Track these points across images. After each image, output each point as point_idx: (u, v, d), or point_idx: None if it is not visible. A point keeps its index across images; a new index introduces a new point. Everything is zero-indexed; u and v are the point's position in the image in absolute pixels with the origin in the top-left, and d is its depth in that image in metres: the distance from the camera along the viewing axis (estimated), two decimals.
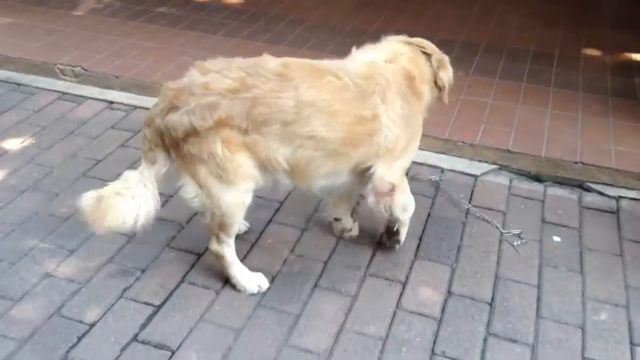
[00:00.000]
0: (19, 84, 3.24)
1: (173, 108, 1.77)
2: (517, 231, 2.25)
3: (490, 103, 3.04)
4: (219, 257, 1.98)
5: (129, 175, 1.89)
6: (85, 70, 3.26)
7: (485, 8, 4.27)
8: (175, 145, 1.80)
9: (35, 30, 3.67)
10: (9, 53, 3.40)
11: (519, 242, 2.20)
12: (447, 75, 2.02)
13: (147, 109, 2.96)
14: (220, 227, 1.91)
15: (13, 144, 2.76)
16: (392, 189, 1.90)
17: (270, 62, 1.80)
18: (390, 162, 1.89)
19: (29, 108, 3.04)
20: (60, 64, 3.30)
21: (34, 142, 2.78)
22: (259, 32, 3.80)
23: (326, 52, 3.54)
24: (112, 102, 3.11)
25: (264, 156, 1.79)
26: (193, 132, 1.75)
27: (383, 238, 2.17)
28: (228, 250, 1.97)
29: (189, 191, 1.84)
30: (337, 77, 1.80)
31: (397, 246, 2.12)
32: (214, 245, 1.96)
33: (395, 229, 2.07)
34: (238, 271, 2.00)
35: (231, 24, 3.90)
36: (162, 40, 3.63)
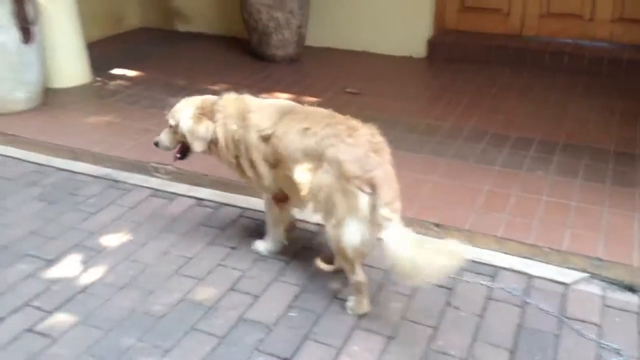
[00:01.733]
0: (115, 181, 3.47)
1: None
2: (615, 346, 2.17)
3: (574, 205, 3.01)
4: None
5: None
6: (176, 168, 3.47)
7: (560, 104, 4.30)
8: None
9: (130, 129, 3.95)
10: (107, 151, 3.66)
11: (619, 359, 2.12)
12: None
13: (232, 206, 3.14)
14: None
15: (111, 241, 2.92)
16: None
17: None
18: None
19: (125, 204, 3.24)
20: (153, 162, 3.52)
21: (130, 238, 2.94)
22: None
23: (402, 149, 3.63)
24: (201, 199, 3.27)
25: None
26: None
27: None
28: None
29: None
30: None
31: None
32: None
33: None
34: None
35: None
36: None
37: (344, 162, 2.14)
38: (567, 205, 3.01)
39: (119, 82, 4.86)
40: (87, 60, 4.82)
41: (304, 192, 2.27)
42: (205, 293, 2.55)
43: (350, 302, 2.41)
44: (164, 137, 2.68)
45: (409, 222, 2.88)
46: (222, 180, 3.34)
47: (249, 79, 4.89)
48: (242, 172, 2.56)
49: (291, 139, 2.31)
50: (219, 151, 2.55)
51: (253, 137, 2.43)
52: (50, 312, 2.43)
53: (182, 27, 6.29)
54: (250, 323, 2.37)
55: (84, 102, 4.42)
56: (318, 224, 2.97)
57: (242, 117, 2.46)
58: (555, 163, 3.44)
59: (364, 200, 2.13)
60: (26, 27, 4.00)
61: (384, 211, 2.10)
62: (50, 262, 2.75)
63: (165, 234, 2.97)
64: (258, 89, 4.60)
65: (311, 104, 4.39)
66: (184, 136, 2.57)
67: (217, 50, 5.68)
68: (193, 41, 5.97)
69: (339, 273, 2.52)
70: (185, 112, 2.55)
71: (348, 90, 4.60)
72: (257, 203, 3.10)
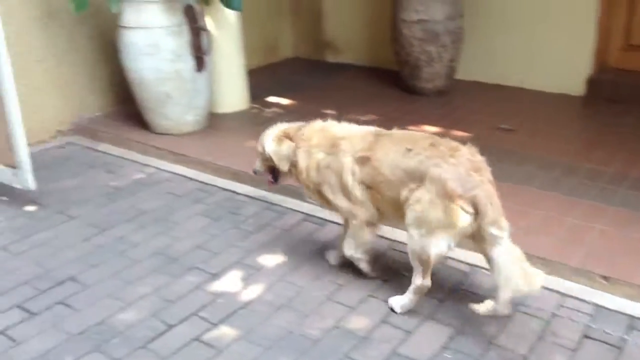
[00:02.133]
0: (271, 203, 3.65)
1: None
2: None
3: None
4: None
5: None
6: None
7: None
8: None
9: None
10: None
11: None
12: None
13: (382, 237, 3.17)
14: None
15: (268, 260, 3.07)
16: None
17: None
18: None
19: (280, 226, 3.40)
20: None
21: (285, 260, 3.07)
22: (488, 166, 3.86)
23: (562, 193, 3.47)
24: None
25: None
26: None
27: None
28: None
29: None
30: None
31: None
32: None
33: None
34: None
35: None
36: None
37: (447, 181, 2.27)
38: None
39: (273, 109, 5.13)
40: (246, 88, 5.15)
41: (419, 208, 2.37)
42: (357, 322, 2.59)
43: (402, 301, 2.59)
44: (258, 165, 2.88)
45: (574, 271, 2.77)
46: None
47: (398, 111, 4.95)
48: (322, 198, 2.71)
49: (392, 158, 2.44)
50: (298, 174, 2.72)
51: (347, 162, 2.55)
52: (215, 324, 2.60)
53: (332, 58, 6.53)
54: (404, 359, 2.37)
55: (242, 127, 4.72)
56: (470, 264, 2.93)
57: (332, 145, 2.60)
58: None
59: (464, 218, 2.28)
60: (200, 56, 4.37)
61: (492, 229, 2.26)
62: (215, 276, 2.94)
63: (317, 259, 3.07)
64: (406, 122, 4.63)
65: (461, 138, 4.34)
66: (271, 159, 2.75)
67: (366, 81, 5.81)
68: (342, 72, 6.17)
69: (495, 317, 2.46)
70: (269, 137, 2.76)
71: (501, 126, 4.50)
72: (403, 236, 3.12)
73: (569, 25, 5.00)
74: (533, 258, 2.91)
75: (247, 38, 5.09)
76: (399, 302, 2.62)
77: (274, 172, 2.85)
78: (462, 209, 2.27)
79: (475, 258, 2.98)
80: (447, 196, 2.28)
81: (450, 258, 3.01)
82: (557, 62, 5.12)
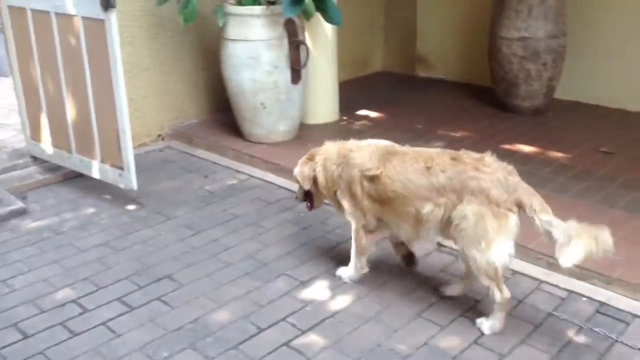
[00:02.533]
0: None
1: None
2: None
3: None
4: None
5: None
6: None
7: None
8: None
9: None
10: None
11: None
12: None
13: None
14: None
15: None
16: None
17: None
18: None
19: None
20: None
21: (372, 272, 3.04)
22: (589, 191, 3.70)
23: None
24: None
25: None
26: None
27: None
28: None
29: None
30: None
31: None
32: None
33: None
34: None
35: (557, 179, 3.88)
36: None
37: (490, 190, 2.39)
38: None
39: (363, 122, 5.16)
40: (337, 100, 5.20)
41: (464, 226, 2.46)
42: (448, 342, 2.54)
43: (490, 322, 2.56)
44: (297, 192, 3.11)
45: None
46: None
47: (491, 128, 4.83)
48: (338, 204, 2.88)
49: (411, 178, 2.55)
50: (321, 189, 2.91)
51: (355, 174, 2.72)
52: (304, 331, 2.63)
53: (423, 73, 6.49)
54: None
55: (331, 139, 4.74)
56: (567, 289, 2.82)
57: (343, 156, 2.79)
58: None
59: (513, 219, 2.40)
60: (297, 69, 4.47)
61: (543, 216, 2.35)
62: (304, 284, 2.98)
63: (406, 274, 3.04)
64: (500, 139, 4.53)
65: (559, 160, 4.20)
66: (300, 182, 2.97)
67: (458, 97, 5.73)
68: (433, 87, 6.11)
69: (590, 349, 2.35)
70: (298, 163, 3.00)
71: (602, 149, 4.29)
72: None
73: None
74: (635, 287, 2.77)
75: (340, 51, 5.16)
76: (487, 324, 2.57)
77: (309, 197, 3.04)
78: (511, 210, 2.39)
79: (573, 284, 2.88)
80: (494, 203, 2.39)
81: (546, 282, 2.91)
82: None
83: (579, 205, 3.49)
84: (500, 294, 2.50)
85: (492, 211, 2.39)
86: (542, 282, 2.94)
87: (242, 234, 3.49)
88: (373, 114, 5.36)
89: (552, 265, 2.99)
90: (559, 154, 4.28)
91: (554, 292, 2.85)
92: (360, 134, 4.82)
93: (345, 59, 5.60)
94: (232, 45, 4.40)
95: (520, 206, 2.40)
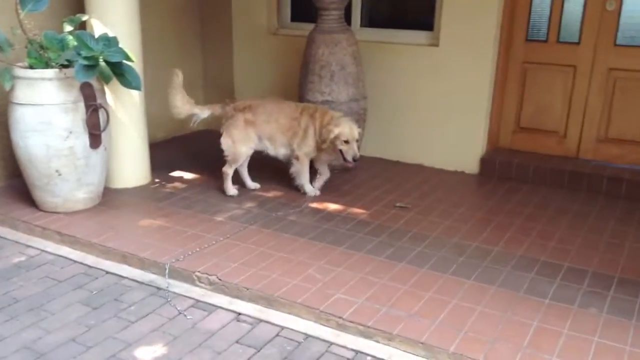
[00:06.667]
0: (159, 288, 3.52)
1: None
2: None
3: (629, 351, 2.82)
4: (225, 174, 4.68)
5: None
6: (219, 279, 3.49)
7: (617, 234, 4.14)
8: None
9: (180, 235, 4.04)
10: (154, 257, 3.74)
11: None
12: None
13: (272, 323, 3.11)
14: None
15: (145, 354, 2.92)
16: (297, 158, 4.69)
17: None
18: (299, 145, 4.65)
19: (165, 314, 3.26)
20: (198, 271, 3.56)
21: (164, 352, 2.93)
22: (382, 246, 3.92)
23: (449, 273, 3.55)
24: (239, 314, 3.26)
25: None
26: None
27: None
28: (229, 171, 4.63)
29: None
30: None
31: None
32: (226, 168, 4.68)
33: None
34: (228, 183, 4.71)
35: (356, 235, 4.07)
36: (291, 251, 3.83)
37: None
38: (621, 351, 2.82)
39: (176, 184, 5.04)
40: (147, 162, 5.05)
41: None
42: None
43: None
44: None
45: (451, 356, 2.80)
46: (263, 295, 3.34)
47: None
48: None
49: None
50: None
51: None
52: None
53: None
54: None
55: (139, 204, 4.59)
56: (353, 350, 2.90)
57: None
58: (610, 300, 3.27)
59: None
60: (96, 133, 4.27)
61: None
62: None
63: (200, 350, 2.95)
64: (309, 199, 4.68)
65: (359, 216, 4.42)
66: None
67: None
68: None
69: None
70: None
71: (398, 204, 4.61)
72: (294, 321, 3.09)
73: (464, 110, 5.29)
74: (414, 343, 2.94)
75: (157, 110, 5.03)
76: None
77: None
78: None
79: (359, 343, 2.94)
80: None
81: (335, 344, 2.97)
82: (453, 142, 5.38)
83: (371, 261, 3.68)
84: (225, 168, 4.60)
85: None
86: (332, 343, 3.01)
87: (21, 320, 3.17)
88: (188, 175, 5.27)
89: (341, 325, 3.10)
90: (360, 210, 4.51)
91: (342, 354, 2.93)
92: (171, 197, 4.71)
93: (163, 118, 5.48)
94: (21, 110, 4.10)
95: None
